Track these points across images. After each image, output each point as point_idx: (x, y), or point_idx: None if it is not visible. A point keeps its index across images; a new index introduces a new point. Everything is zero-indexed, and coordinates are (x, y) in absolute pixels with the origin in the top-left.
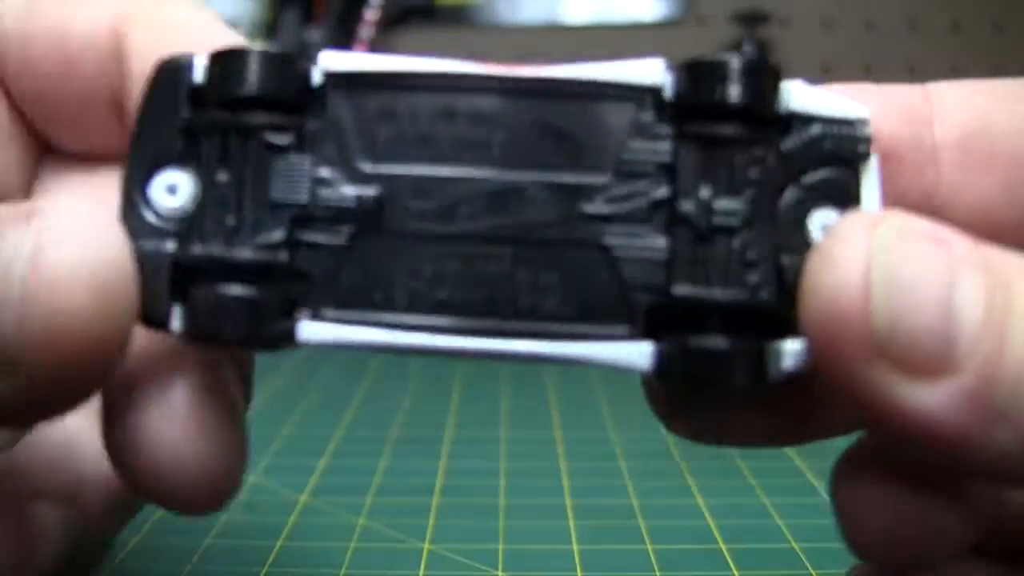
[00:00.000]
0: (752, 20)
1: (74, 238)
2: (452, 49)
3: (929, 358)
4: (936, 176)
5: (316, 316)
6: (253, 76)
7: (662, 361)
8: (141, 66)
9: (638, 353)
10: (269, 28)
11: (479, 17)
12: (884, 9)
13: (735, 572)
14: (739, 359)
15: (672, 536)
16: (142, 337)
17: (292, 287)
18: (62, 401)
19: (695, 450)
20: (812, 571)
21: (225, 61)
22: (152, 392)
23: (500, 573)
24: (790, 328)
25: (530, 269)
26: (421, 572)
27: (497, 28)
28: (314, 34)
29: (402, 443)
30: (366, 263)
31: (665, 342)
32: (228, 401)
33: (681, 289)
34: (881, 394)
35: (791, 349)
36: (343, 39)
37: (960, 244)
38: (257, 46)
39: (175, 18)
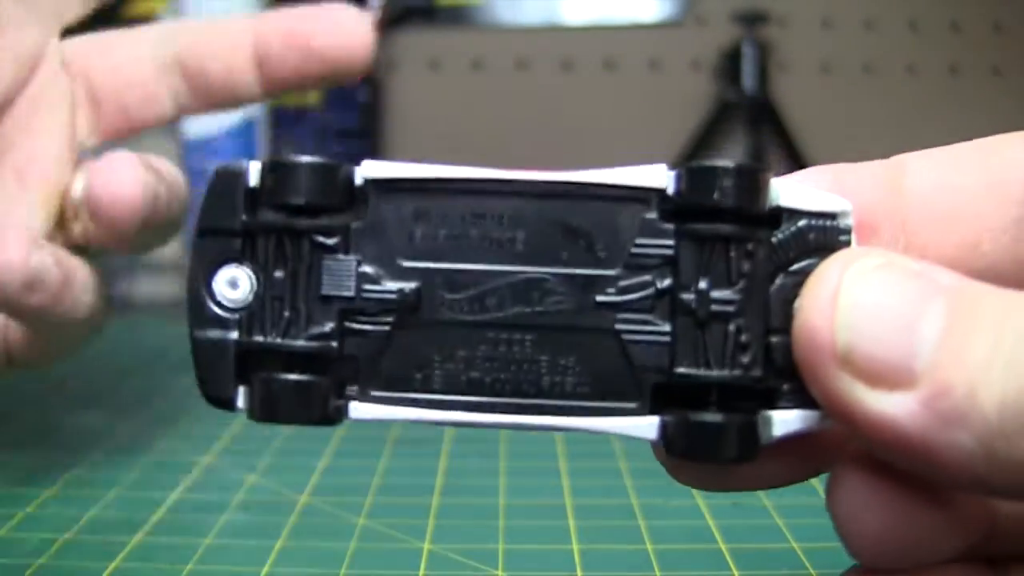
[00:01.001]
0: (752, 20)
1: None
2: (452, 49)
3: (889, 367)
4: (905, 241)
5: (364, 396)
6: (303, 186)
7: (666, 433)
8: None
9: (646, 426)
10: None
11: (479, 17)
12: (884, 9)
13: (735, 572)
14: (733, 432)
15: (672, 536)
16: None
17: (343, 370)
18: None
19: None
20: (812, 571)
21: (278, 170)
22: None
23: (500, 573)
24: (781, 400)
25: (550, 352)
26: (421, 572)
27: (496, 29)
28: None
29: (402, 443)
30: (406, 348)
31: (669, 416)
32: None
33: (683, 369)
34: (847, 403)
35: (781, 419)
36: None
37: (937, 274)
38: (306, 158)
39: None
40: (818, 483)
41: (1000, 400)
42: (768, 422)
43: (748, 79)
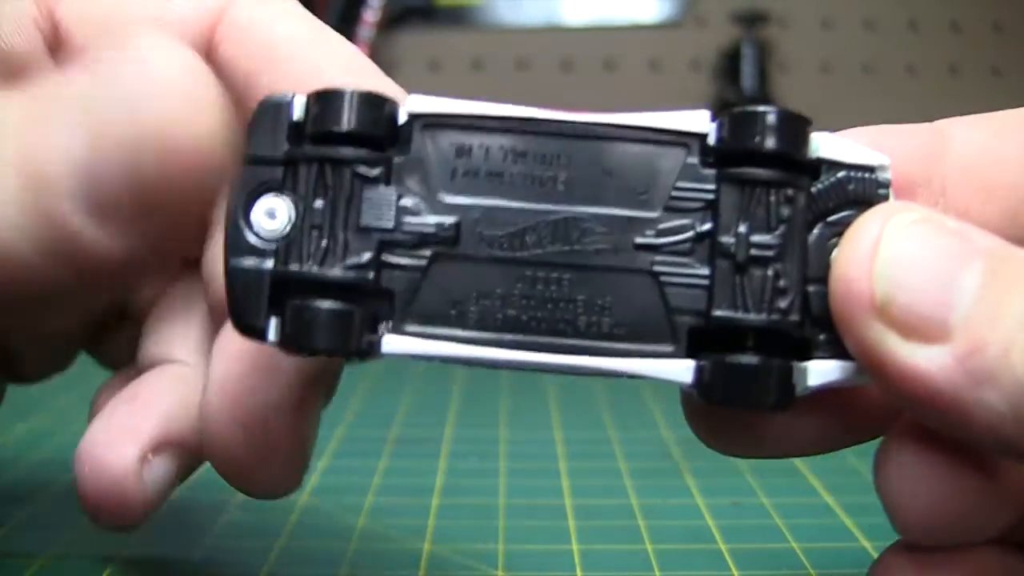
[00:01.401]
0: (751, 21)
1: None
2: (452, 50)
3: (925, 321)
4: (944, 206)
5: (398, 330)
6: (347, 114)
7: (701, 377)
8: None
9: (682, 369)
10: None
11: (479, 18)
12: (883, 9)
13: (735, 572)
14: (769, 376)
15: (672, 536)
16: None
17: (377, 304)
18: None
19: (695, 450)
20: (812, 571)
21: (322, 100)
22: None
23: (500, 573)
24: (817, 350)
25: (587, 292)
26: (421, 572)
27: (497, 29)
28: None
29: (402, 443)
30: (442, 284)
31: (705, 360)
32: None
33: (720, 312)
34: (881, 353)
35: (817, 369)
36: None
37: (976, 235)
38: (351, 87)
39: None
40: (818, 483)
41: None
42: (803, 372)
43: (748, 79)
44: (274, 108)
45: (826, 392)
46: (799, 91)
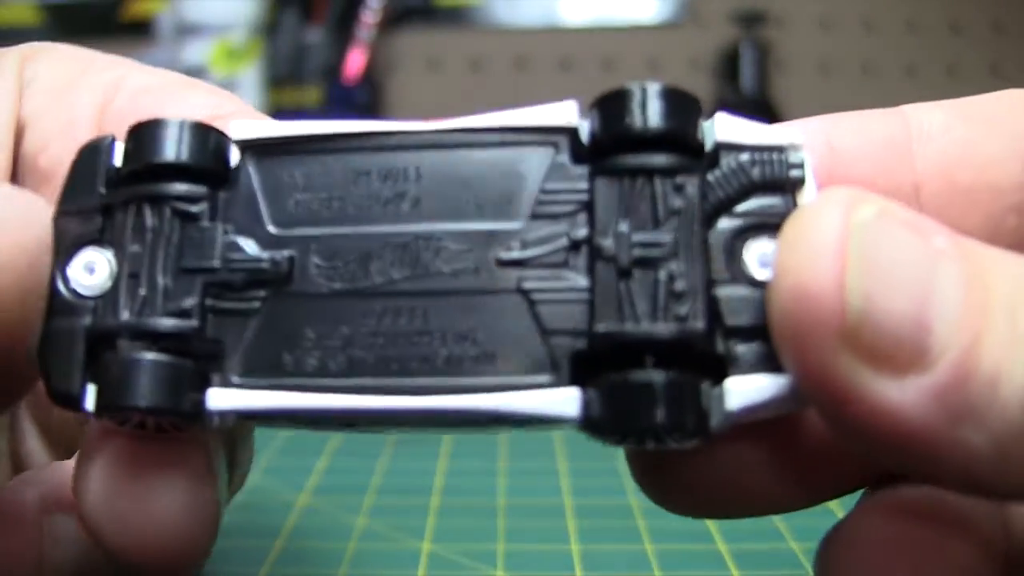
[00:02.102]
0: (750, 21)
1: None
2: (451, 50)
3: (901, 348)
4: (917, 210)
5: (226, 384)
6: (165, 144)
7: (588, 408)
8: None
9: (563, 400)
10: (269, 28)
11: (478, 18)
12: (882, 10)
13: (735, 572)
14: (671, 396)
15: (672, 536)
16: None
17: (205, 358)
18: None
19: None
20: (812, 571)
21: (137, 133)
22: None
23: (500, 573)
24: (735, 368)
25: (447, 321)
26: (421, 572)
27: (495, 29)
28: (314, 34)
29: (402, 443)
30: (277, 327)
31: (591, 387)
32: (198, 476)
33: (603, 326)
34: (848, 388)
35: (737, 389)
36: (342, 40)
37: (939, 234)
38: (171, 117)
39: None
40: None
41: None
42: (720, 395)
43: (747, 80)
44: (91, 154)
45: (770, 429)
46: (798, 92)
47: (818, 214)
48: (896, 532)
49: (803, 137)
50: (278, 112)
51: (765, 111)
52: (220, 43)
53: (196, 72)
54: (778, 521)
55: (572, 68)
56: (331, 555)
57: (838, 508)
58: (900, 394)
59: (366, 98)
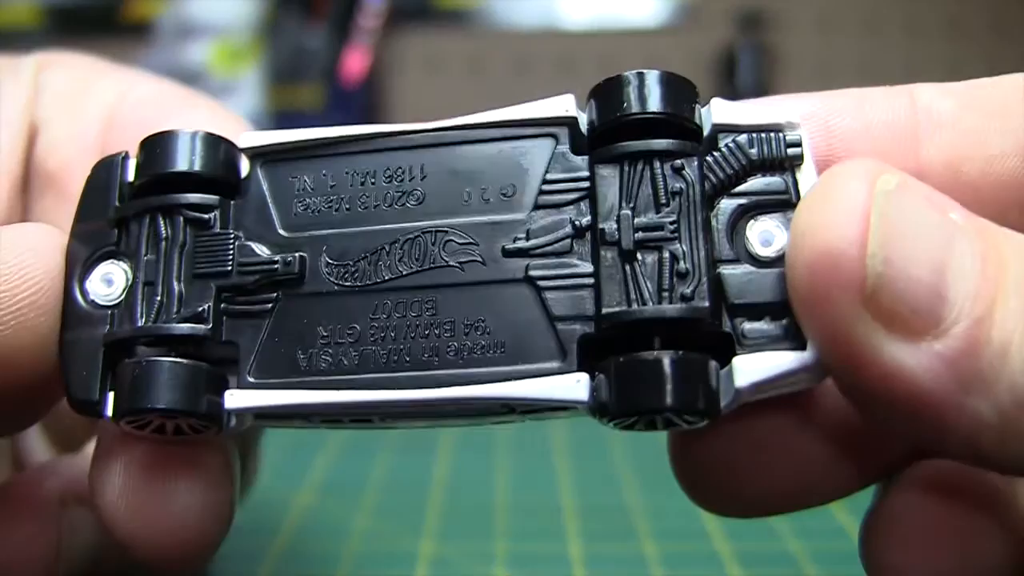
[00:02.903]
0: (749, 23)
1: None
2: (451, 52)
3: (917, 313)
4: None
5: (243, 384)
6: (176, 155)
7: (597, 391)
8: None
9: (572, 385)
10: (269, 28)
11: (477, 20)
12: (882, 11)
13: (735, 572)
14: (679, 372)
15: (672, 536)
16: None
17: (220, 359)
18: None
19: None
20: (812, 571)
21: (149, 146)
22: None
23: (500, 573)
24: (742, 345)
25: (456, 312)
26: (421, 572)
27: (495, 31)
28: (314, 35)
29: (402, 443)
30: (290, 327)
31: (599, 370)
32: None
33: (611, 309)
34: (864, 350)
35: (745, 366)
36: (342, 40)
37: (955, 210)
38: (183, 129)
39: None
40: None
41: None
42: (728, 372)
43: (745, 81)
44: (105, 170)
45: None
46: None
47: (844, 180)
48: (936, 509)
49: (798, 115)
50: (278, 112)
51: None
52: (220, 43)
53: (196, 72)
54: (778, 521)
55: (571, 70)
56: (331, 554)
57: (838, 508)
58: (913, 359)
59: (366, 99)
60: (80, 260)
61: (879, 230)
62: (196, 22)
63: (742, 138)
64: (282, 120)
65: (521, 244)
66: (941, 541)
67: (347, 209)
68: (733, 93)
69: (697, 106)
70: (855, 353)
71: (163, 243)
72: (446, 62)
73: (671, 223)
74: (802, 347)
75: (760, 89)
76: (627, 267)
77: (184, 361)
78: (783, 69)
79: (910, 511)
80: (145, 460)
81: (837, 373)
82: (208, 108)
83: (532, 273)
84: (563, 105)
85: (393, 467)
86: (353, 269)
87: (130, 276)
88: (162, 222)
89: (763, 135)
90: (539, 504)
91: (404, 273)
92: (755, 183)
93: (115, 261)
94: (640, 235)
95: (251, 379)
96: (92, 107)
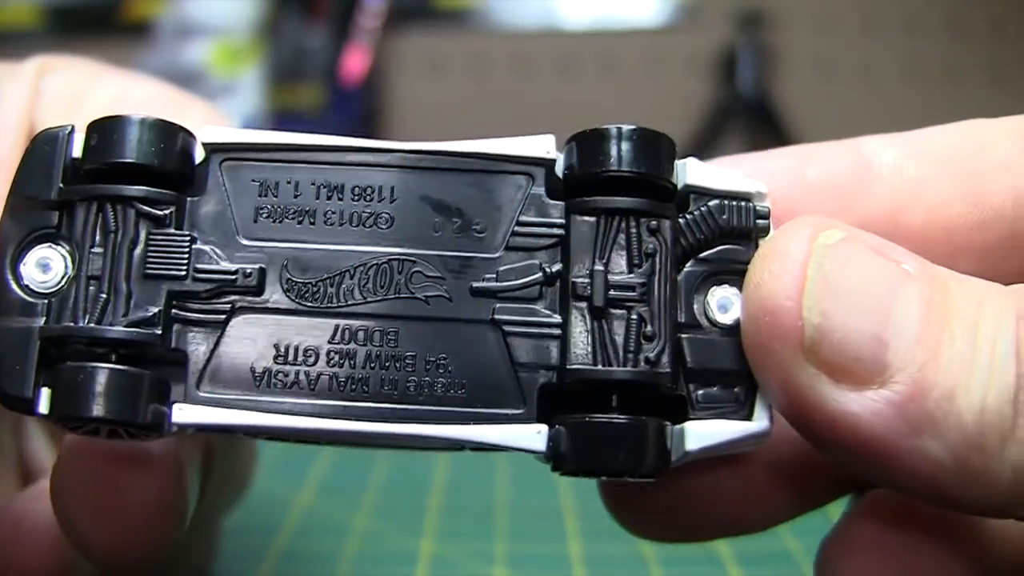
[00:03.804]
0: (749, 23)
1: None
2: (451, 52)
3: (860, 362)
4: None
5: (191, 398)
6: (129, 144)
7: (556, 443)
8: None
9: (531, 435)
10: (269, 28)
11: (477, 20)
12: (882, 11)
13: (735, 572)
14: (637, 438)
15: None
16: None
17: (167, 368)
18: None
19: None
20: (811, 570)
21: (102, 129)
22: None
23: (500, 573)
24: (695, 409)
25: (418, 347)
26: (421, 572)
27: (495, 31)
28: (314, 35)
29: None
30: (244, 341)
31: (559, 423)
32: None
33: (576, 366)
34: (809, 399)
35: (696, 431)
36: (342, 40)
37: (910, 259)
38: (138, 115)
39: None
40: None
41: (980, 407)
42: (681, 434)
43: (745, 81)
44: (49, 143)
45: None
46: (797, 93)
47: (787, 235)
48: (888, 537)
49: (766, 187)
50: (278, 112)
51: (764, 112)
52: (220, 43)
53: (196, 73)
54: None
55: (571, 70)
56: (331, 555)
57: (837, 508)
58: (859, 405)
59: (366, 99)
60: (13, 240)
61: (815, 283)
62: (196, 22)
63: (714, 203)
64: (282, 120)
65: (490, 284)
66: (898, 568)
67: (311, 223)
68: (733, 93)
69: (675, 162)
70: (802, 403)
71: (111, 236)
72: (446, 62)
73: (641, 284)
74: (750, 416)
75: (760, 89)
76: (595, 324)
77: (127, 369)
78: (783, 69)
79: (865, 538)
80: (98, 458)
81: (792, 422)
82: (204, 111)
83: (498, 316)
84: (543, 146)
85: (393, 467)
86: (315, 289)
87: (69, 265)
88: (112, 213)
89: (734, 203)
90: (539, 504)
91: (368, 300)
92: (721, 250)
93: (53, 245)
94: (612, 293)
95: (201, 393)
96: (91, 111)
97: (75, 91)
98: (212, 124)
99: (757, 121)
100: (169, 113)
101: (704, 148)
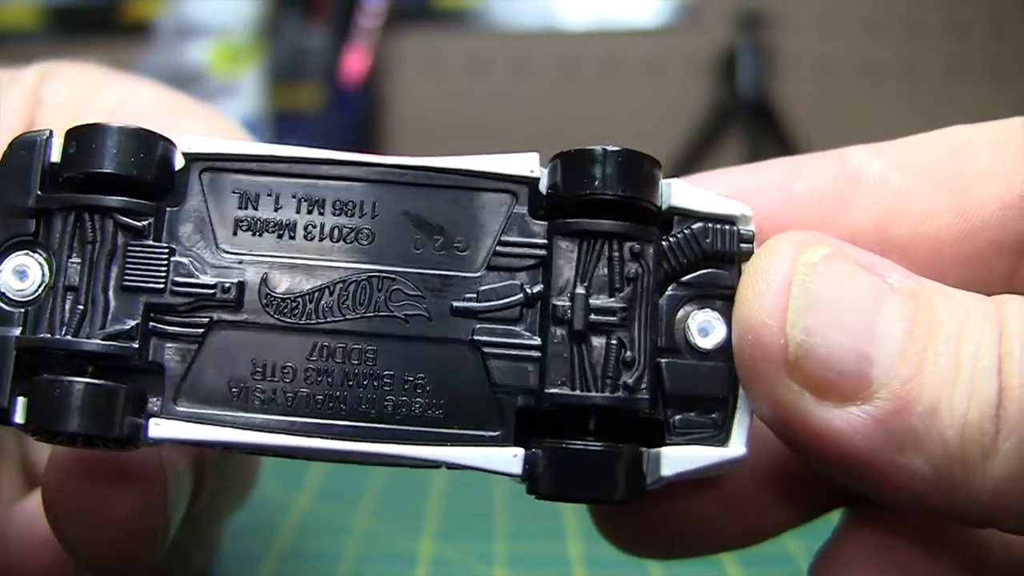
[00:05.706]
0: (749, 24)
1: None
2: (451, 52)
3: (843, 378)
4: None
5: (168, 412)
6: (108, 154)
7: (532, 467)
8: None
9: (507, 458)
10: (269, 28)
11: (476, 21)
12: (882, 11)
13: (734, 571)
14: (613, 465)
15: None
16: None
17: (145, 381)
18: None
19: None
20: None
21: (80, 137)
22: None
23: (500, 573)
24: (671, 434)
25: (397, 366)
26: (421, 572)
27: (495, 31)
28: (314, 35)
29: None
30: (222, 356)
31: (536, 447)
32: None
33: (555, 390)
34: (794, 414)
35: (672, 456)
36: (342, 40)
37: (895, 273)
38: (116, 123)
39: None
40: None
41: (962, 422)
42: (656, 459)
43: (745, 82)
44: (27, 148)
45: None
46: (797, 93)
47: (771, 253)
48: (882, 551)
49: (751, 210)
50: (278, 112)
51: (763, 113)
52: (220, 44)
53: (196, 73)
54: None
55: (571, 70)
56: (331, 555)
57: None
58: (843, 421)
59: (366, 99)
60: None
61: (799, 300)
62: (196, 22)
63: (698, 226)
64: (282, 120)
65: (470, 304)
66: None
67: (291, 237)
68: (733, 93)
69: (659, 184)
70: (787, 420)
71: (89, 247)
72: (446, 62)
73: (622, 309)
74: (726, 442)
75: (760, 89)
76: (575, 348)
77: (103, 383)
78: (783, 69)
79: (858, 551)
80: (81, 473)
81: (780, 439)
82: (205, 115)
83: (478, 337)
84: (527, 164)
85: (393, 467)
86: (293, 305)
87: (47, 273)
88: (89, 224)
89: (718, 227)
90: (539, 504)
91: (347, 317)
92: (703, 274)
93: (30, 253)
94: (592, 317)
95: (178, 408)
96: (92, 118)
97: (76, 98)
98: (214, 129)
99: (756, 121)
100: (169, 120)
101: (703, 148)
